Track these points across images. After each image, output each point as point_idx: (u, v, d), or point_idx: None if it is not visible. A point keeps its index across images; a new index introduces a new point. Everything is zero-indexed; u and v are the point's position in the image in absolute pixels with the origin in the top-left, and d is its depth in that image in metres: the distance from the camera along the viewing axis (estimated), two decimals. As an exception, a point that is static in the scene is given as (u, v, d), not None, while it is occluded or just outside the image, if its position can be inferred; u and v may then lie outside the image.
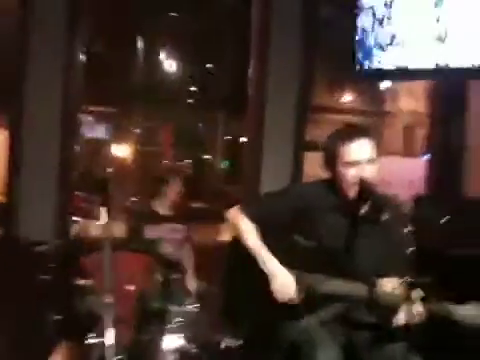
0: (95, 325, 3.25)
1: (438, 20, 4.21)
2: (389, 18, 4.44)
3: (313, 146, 4.76)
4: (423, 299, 2.09)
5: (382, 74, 4.77)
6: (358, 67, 4.63)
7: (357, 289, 2.25)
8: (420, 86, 5.84)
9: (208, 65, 14.42)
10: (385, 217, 2.09)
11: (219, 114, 17.77)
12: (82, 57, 4.84)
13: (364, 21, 4.57)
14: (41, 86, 4.60)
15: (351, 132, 2.34)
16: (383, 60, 4.52)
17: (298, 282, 2.33)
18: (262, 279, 2.39)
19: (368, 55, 4.58)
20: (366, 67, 4.61)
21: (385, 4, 4.45)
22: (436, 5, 4.19)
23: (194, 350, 3.58)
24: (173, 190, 4.33)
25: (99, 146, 17.13)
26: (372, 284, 2.22)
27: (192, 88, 15.34)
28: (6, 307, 3.84)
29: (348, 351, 2.34)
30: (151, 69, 15.48)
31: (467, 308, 2.05)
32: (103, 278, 2.73)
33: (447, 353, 3.09)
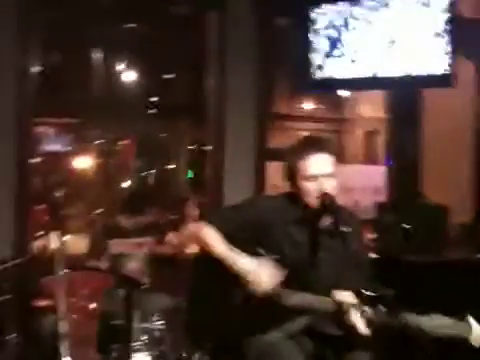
0: (57, 346, 3.16)
1: (387, 31, 4.30)
2: (340, 32, 4.52)
3: (275, 154, 4.78)
4: (388, 309, 2.09)
5: (333, 84, 4.83)
6: (312, 76, 4.69)
7: (321, 301, 2.25)
8: (379, 93, 5.93)
9: (167, 75, 14.34)
10: (347, 229, 2.09)
11: (181, 124, 17.69)
12: (36, 69, 4.74)
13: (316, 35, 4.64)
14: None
15: (309, 146, 2.34)
16: (335, 69, 4.59)
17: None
18: (229, 292, 2.36)
19: (321, 64, 4.63)
20: (318, 76, 4.67)
21: (334, 26, 4.53)
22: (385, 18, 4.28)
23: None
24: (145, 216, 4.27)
25: (59, 159, 16.85)
26: (332, 296, 2.22)
27: (153, 99, 15.22)
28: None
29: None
30: (110, 80, 15.33)
31: (432, 319, 2.07)
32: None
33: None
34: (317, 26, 4.63)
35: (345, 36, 4.53)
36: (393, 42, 4.33)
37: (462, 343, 2.08)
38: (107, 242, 4.04)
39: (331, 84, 4.83)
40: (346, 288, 2.24)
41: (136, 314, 3.50)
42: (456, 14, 4.26)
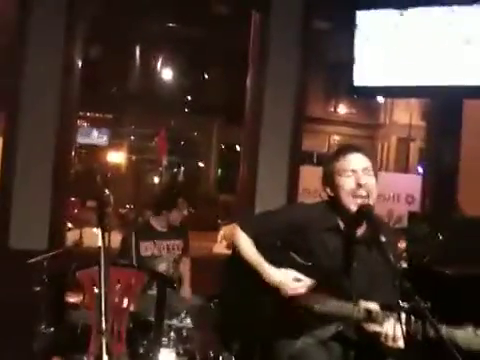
0: (87, 339, 3.22)
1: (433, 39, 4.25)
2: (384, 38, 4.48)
3: (308, 157, 4.76)
4: (421, 321, 2.08)
5: (374, 90, 4.80)
6: (352, 83, 4.65)
7: (351, 309, 2.24)
8: (414, 100, 5.87)
9: (205, 73, 14.44)
10: (384, 239, 2.08)
11: (214, 122, 17.75)
12: (79, 62, 4.81)
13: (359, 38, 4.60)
14: (38, 91, 4.56)
15: (345, 149, 2.39)
16: (377, 76, 4.55)
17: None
18: (260, 295, 2.37)
19: (362, 72, 4.60)
20: (360, 82, 4.63)
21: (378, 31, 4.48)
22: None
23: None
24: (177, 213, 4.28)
25: (95, 152, 17.10)
26: (360, 305, 2.23)
27: (188, 97, 15.32)
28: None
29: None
30: (148, 76, 15.48)
31: (465, 332, 2.05)
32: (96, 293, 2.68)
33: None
34: (361, 31, 4.58)
35: (389, 42, 4.48)
36: (438, 51, 4.28)
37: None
38: (138, 243, 4.08)
39: (372, 91, 4.79)
40: (379, 298, 2.24)
41: (166, 312, 3.52)
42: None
